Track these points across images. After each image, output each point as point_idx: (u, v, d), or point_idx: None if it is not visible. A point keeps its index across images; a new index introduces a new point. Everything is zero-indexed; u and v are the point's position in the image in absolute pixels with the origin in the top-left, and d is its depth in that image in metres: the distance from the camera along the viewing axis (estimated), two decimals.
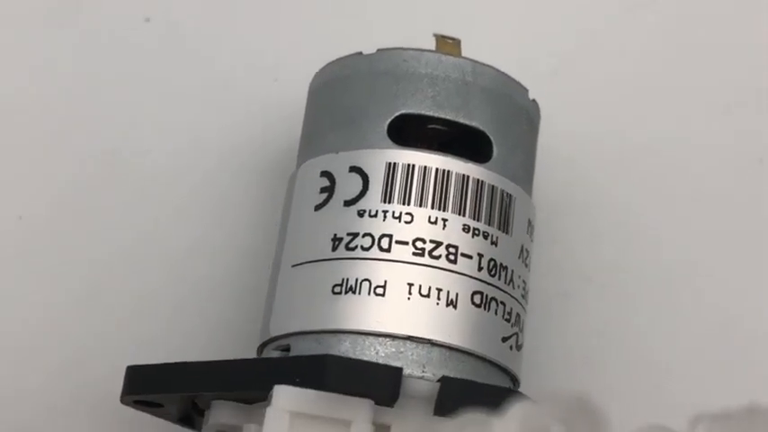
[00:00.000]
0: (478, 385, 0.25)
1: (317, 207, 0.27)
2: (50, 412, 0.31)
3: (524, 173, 0.28)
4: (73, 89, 0.33)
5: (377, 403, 0.24)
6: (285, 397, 0.23)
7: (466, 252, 0.26)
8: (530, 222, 0.28)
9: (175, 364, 0.26)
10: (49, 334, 0.31)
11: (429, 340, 0.25)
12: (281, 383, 0.23)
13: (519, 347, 0.27)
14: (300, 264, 0.26)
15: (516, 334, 0.26)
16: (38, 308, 0.31)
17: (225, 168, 0.33)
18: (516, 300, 0.27)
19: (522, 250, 0.27)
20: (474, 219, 0.26)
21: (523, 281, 0.27)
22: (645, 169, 0.33)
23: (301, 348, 0.25)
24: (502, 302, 0.26)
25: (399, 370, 0.24)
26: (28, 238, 0.32)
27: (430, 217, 0.26)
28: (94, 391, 0.31)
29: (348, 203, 0.26)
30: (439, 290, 0.25)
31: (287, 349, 0.26)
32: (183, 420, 0.27)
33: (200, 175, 0.32)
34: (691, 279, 0.32)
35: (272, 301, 0.27)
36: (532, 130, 0.29)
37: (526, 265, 0.27)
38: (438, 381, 0.24)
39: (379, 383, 0.24)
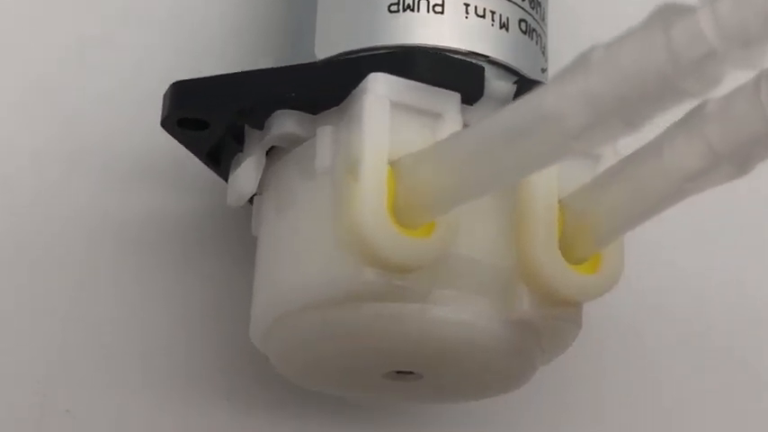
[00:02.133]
0: None
1: None
2: (44, 176, 0.29)
3: None
4: None
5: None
6: (383, 85, 0.23)
7: None
8: None
9: (233, 74, 0.25)
10: (38, 96, 0.30)
11: (487, 57, 0.26)
12: None
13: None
14: None
15: (547, 69, 0.27)
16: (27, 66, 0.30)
17: None
18: (546, 37, 0.28)
19: None
20: None
21: (547, 25, 0.28)
22: None
23: None
24: (539, 35, 0.27)
25: (482, 67, 0.24)
26: None
27: None
28: (91, 156, 0.29)
29: None
30: (492, 12, 0.26)
31: None
32: (211, 155, 0.27)
33: None
34: None
35: (312, 22, 0.26)
36: None
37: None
38: (514, 83, 0.25)
39: (466, 78, 0.24)
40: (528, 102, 0.20)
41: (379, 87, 0.23)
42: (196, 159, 0.27)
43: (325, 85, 0.24)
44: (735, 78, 0.20)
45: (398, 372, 0.26)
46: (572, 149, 0.19)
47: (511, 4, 0.26)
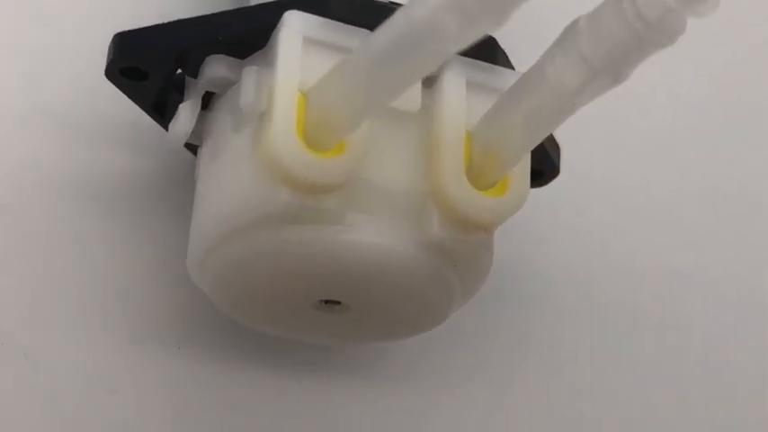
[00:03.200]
0: None
1: None
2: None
3: None
4: None
5: None
6: (297, 21, 0.25)
7: None
8: None
9: (168, 23, 0.27)
10: None
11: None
12: None
13: None
14: None
15: None
16: None
17: None
18: None
19: None
20: None
21: None
22: None
23: None
24: None
25: (393, 7, 0.26)
26: None
27: None
28: (49, 114, 0.31)
29: None
30: None
31: None
32: (156, 108, 0.29)
33: None
34: None
35: None
36: None
37: None
38: None
39: (377, 16, 0.25)
40: (399, 18, 0.21)
41: (294, 23, 0.25)
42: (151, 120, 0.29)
43: (248, 27, 0.26)
44: None
45: (326, 302, 0.27)
46: (449, 51, 0.21)
47: None
